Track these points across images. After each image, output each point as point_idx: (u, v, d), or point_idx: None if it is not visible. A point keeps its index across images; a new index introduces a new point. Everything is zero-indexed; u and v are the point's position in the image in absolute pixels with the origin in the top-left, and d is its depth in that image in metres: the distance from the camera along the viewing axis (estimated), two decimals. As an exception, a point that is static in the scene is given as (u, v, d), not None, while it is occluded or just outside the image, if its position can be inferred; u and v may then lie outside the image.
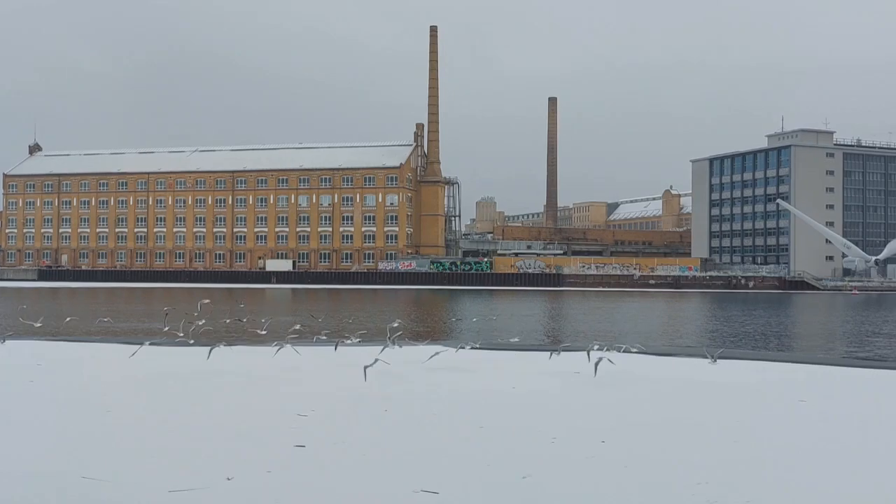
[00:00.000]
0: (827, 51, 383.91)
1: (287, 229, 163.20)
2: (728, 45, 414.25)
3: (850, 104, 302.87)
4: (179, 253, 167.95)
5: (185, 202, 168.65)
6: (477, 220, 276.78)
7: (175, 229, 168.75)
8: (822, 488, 10.66)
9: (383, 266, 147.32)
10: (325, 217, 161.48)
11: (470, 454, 12.37)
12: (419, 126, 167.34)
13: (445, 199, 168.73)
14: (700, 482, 10.71)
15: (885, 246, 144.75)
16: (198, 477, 10.86)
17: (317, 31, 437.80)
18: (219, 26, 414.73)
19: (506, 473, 11.20)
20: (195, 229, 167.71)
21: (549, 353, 26.08)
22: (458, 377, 21.86)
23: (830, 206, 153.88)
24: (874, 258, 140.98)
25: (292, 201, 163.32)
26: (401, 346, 27.81)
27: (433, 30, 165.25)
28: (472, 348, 28.71)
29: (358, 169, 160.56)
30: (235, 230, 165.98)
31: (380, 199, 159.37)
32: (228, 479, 10.80)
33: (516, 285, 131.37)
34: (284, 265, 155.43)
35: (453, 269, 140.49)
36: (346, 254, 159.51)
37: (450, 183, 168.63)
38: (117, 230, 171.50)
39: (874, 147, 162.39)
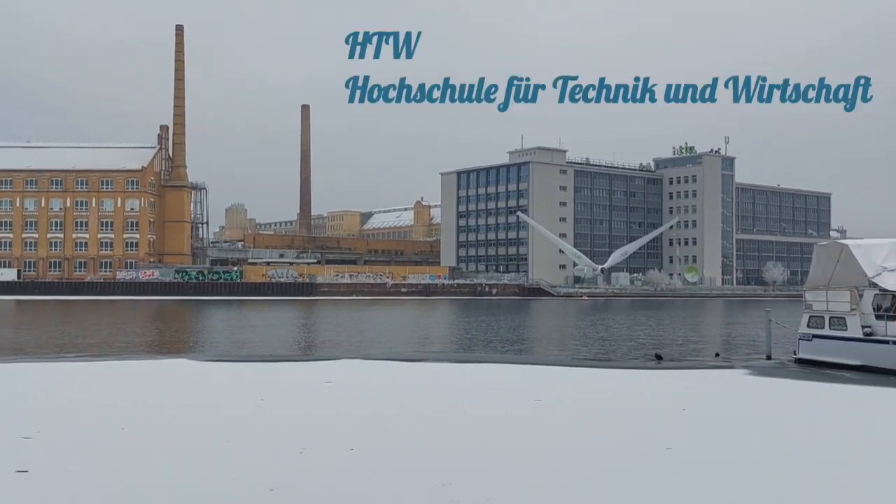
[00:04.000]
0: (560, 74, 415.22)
1: (11, 235, 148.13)
2: (462, 60, 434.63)
3: (581, 126, 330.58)
4: None
5: None
6: (226, 227, 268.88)
7: None
8: (560, 481, 11.41)
9: (122, 275, 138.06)
10: (56, 222, 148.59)
11: (215, 469, 11.87)
12: (164, 128, 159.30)
13: (192, 204, 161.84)
14: (445, 483, 11.03)
15: (609, 256, 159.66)
16: None
17: (42, 24, 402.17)
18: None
19: (252, 487, 10.86)
20: None
21: (299, 363, 25.83)
22: (205, 390, 20.99)
23: (563, 219, 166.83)
24: (600, 267, 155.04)
25: (17, 205, 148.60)
26: (139, 360, 26.24)
27: (179, 29, 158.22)
28: (218, 361, 27.75)
29: (94, 171, 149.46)
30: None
31: (119, 204, 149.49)
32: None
33: (268, 295, 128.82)
34: (8, 274, 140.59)
35: (200, 278, 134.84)
36: (80, 262, 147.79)
37: (197, 188, 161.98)
38: None
39: (600, 165, 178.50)
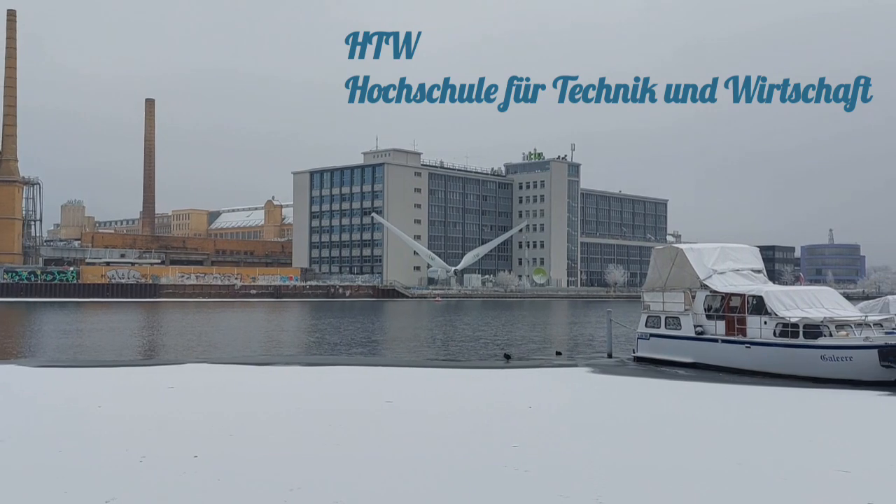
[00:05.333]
0: (412, 78, 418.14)
1: None
2: (325, 60, 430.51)
3: (435, 129, 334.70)
4: None
5: None
6: (62, 225, 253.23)
7: None
8: (406, 481, 11.44)
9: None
10: None
11: (45, 480, 11.12)
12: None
13: (24, 201, 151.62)
14: (293, 488, 10.82)
15: (462, 258, 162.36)
16: None
17: None
18: None
19: (86, 498, 10.24)
20: None
21: (140, 367, 24.75)
22: (36, 398, 19.69)
23: (418, 221, 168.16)
24: (454, 269, 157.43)
25: None
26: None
27: (11, 14, 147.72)
28: (51, 367, 26.21)
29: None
30: None
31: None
32: None
33: (108, 296, 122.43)
34: None
35: (32, 279, 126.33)
36: None
37: (29, 183, 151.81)
38: None
39: (454, 169, 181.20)
